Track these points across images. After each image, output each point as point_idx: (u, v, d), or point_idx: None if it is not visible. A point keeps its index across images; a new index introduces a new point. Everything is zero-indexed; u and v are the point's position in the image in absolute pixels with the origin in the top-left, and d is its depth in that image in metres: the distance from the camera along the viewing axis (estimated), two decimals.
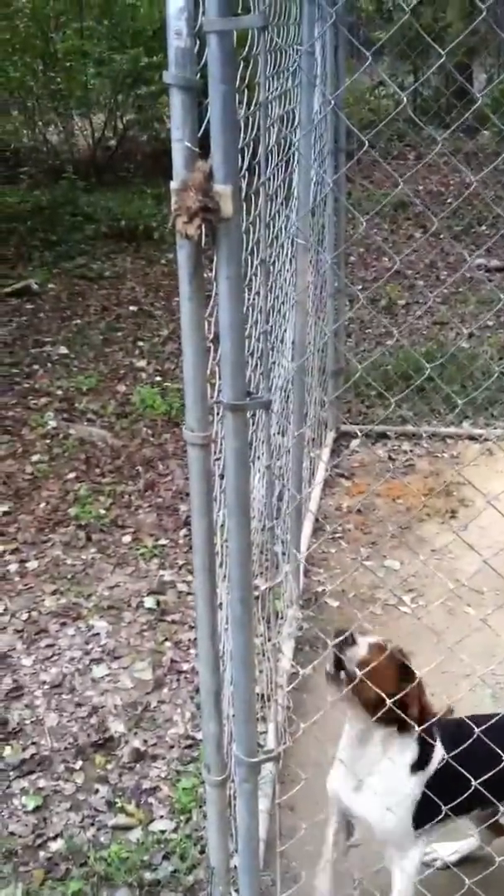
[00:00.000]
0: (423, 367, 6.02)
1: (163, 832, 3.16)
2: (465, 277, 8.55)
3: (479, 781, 2.42)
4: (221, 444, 2.02)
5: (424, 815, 2.54)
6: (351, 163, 5.57)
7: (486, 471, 5.46)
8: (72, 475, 5.48)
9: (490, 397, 6.15)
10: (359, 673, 2.31)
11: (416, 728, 2.43)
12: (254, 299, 2.35)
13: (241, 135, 1.95)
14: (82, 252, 9.29)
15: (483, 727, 2.45)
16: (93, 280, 8.63)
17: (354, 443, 6.03)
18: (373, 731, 2.48)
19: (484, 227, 9.46)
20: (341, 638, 2.39)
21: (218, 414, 1.99)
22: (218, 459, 2.09)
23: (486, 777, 2.43)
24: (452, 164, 10.04)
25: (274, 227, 3.27)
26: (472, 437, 5.95)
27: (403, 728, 2.47)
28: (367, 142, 2.49)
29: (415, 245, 9.00)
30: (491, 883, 2.61)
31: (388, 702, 2.35)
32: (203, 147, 1.76)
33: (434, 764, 2.55)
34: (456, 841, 2.97)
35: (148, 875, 2.99)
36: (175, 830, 3.17)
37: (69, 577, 4.59)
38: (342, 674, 2.37)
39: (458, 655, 3.68)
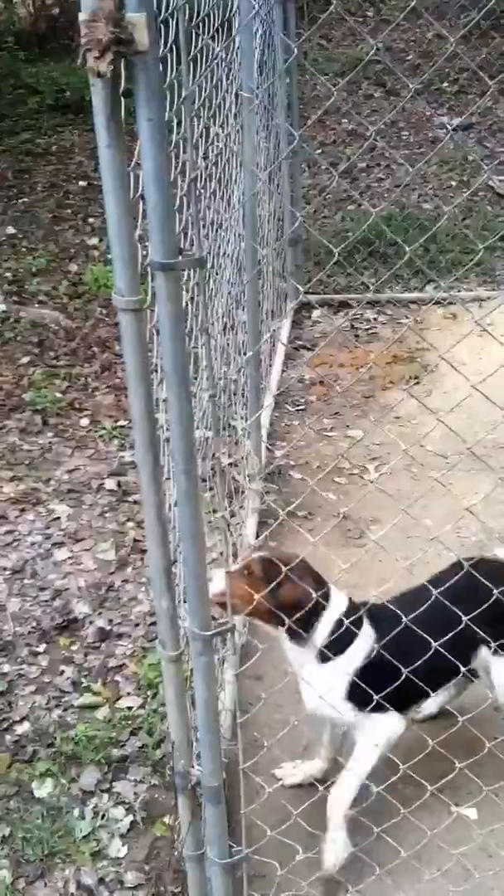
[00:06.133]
0: (384, 231, 5.84)
1: (129, 709, 3.16)
2: (427, 137, 8.25)
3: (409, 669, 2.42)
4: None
5: (368, 697, 2.51)
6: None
7: (450, 335, 5.35)
8: (25, 359, 5.32)
9: (454, 259, 5.99)
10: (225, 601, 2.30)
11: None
12: (191, 152, 2.18)
13: None
14: (27, 127, 8.83)
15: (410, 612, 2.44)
16: (39, 156, 8.23)
17: (316, 313, 5.88)
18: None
19: (446, 84, 9.10)
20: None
21: (152, 278, 1.85)
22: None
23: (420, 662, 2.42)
24: (413, 20, 9.61)
25: (214, 76, 3.05)
26: (435, 302, 5.81)
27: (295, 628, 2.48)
28: None
29: (374, 105, 8.65)
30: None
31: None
32: None
33: (358, 651, 2.53)
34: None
35: (116, 752, 3.00)
36: (142, 706, 3.17)
37: (27, 462, 4.49)
38: None
39: (422, 521, 3.65)
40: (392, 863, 2.63)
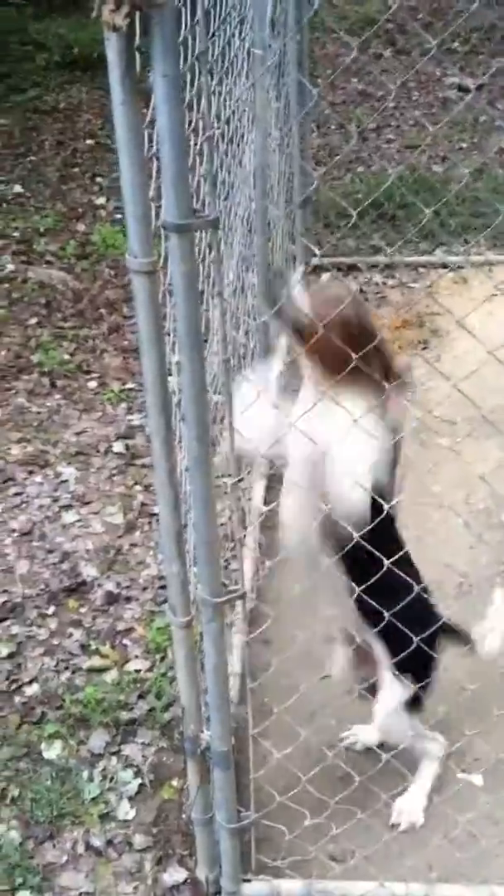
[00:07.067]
0: (392, 193, 5.76)
1: (138, 672, 3.16)
2: (438, 98, 8.12)
3: None
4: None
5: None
6: None
7: (461, 300, 5.30)
8: (33, 321, 5.27)
9: (464, 223, 5.91)
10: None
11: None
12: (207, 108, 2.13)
13: None
14: (35, 84, 8.70)
15: None
16: (47, 113, 8.11)
17: (325, 276, 5.82)
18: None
19: (456, 44, 8.93)
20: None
21: (165, 239, 1.82)
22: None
23: None
24: None
25: (226, 33, 2.98)
26: (445, 266, 5.74)
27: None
28: None
29: (384, 65, 8.50)
30: None
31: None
32: None
33: None
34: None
35: (124, 715, 3.01)
36: (150, 669, 3.17)
37: (35, 424, 4.46)
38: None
39: (430, 487, 3.64)
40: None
